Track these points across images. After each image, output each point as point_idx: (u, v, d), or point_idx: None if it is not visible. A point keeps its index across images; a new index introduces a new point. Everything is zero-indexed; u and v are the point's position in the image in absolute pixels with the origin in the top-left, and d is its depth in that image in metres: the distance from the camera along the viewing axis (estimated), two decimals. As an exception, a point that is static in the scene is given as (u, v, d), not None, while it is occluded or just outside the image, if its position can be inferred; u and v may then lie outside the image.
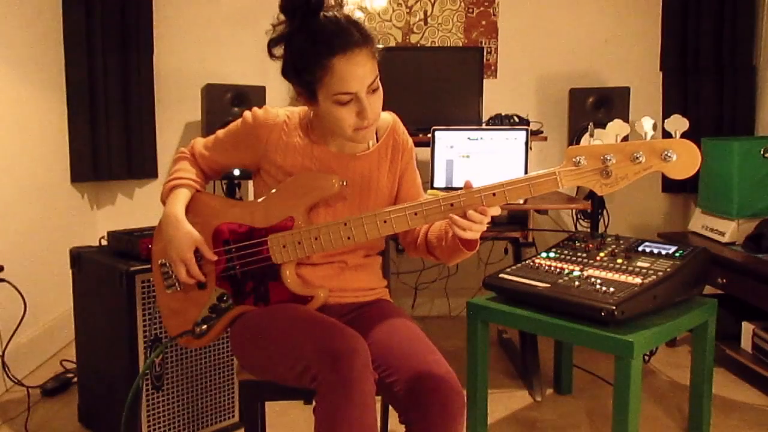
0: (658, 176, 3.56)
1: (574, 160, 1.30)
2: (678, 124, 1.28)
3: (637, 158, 1.26)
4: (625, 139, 1.31)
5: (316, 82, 1.37)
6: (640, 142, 1.27)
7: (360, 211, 1.45)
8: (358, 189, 1.53)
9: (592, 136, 1.37)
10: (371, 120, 1.41)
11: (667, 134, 1.32)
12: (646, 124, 1.29)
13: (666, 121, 1.31)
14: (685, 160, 1.25)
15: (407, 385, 1.36)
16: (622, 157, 1.27)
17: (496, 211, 1.36)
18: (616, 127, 1.32)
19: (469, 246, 1.44)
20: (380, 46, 1.42)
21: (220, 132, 1.62)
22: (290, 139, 1.52)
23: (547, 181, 1.32)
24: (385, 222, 1.40)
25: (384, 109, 1.48)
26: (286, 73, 1.44)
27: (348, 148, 1.54)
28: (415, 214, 1.39)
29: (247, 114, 1.54)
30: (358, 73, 1.35)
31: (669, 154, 1.24)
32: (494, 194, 1.34)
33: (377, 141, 1.57)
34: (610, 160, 1.27)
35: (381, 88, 1.42)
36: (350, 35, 1.34)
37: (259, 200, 1.53)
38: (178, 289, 1.57)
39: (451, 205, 1.36)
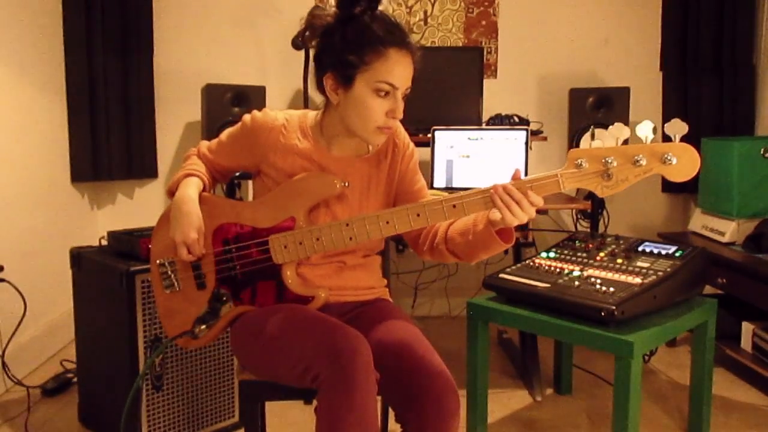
0: (658, 176, 3.55)
1: (575, 162, 1.31)
2: (677, 128, 1.31)
3: (638, 161, 1.28)
4: (626, 142, 1.33)
5: (362, 66, 1.38)
6: (641, 145, 1.30)
7: (359, 213, 1.45)
8: (358, 191, 1.53)
9: (593, 137, 1.39)
10: (398, 120, 1.44)
11: (666, 138, 1.34)
12: (646, 128, 1.31)
13: (666, 125, 1.33)
14: (685, 163, 1.28)
15: (403, 384, 1.36)
16: (624, 160, 1.29)
17: (539, 200, 1.33)
18: (617, 131, 1.34)
19: (505, 237, 1.40)
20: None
21: (223, 135, 1.62)
22: (289, 141, 1.52)
23: (549, 183, 1.33)
24: (387, 223, 1.40)
25: None
26: (323, 56, 1.44)
27: (349, 152, 1.55)
28: (418, 215, 1.39)
29: (246, 117, 1.55)
30: (405, 71, 1.40)
31: (669, 158, 1.27)
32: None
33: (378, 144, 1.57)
34: (611, 162, 1.29)
35: None
36: (408, 36, 1.41)
37: (260, 200, 1.54)
38: (177, 289, 1.57)
39: (454, 206, 1.36)
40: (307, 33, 1.45)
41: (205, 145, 1.66)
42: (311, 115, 1.57)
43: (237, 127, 1.58)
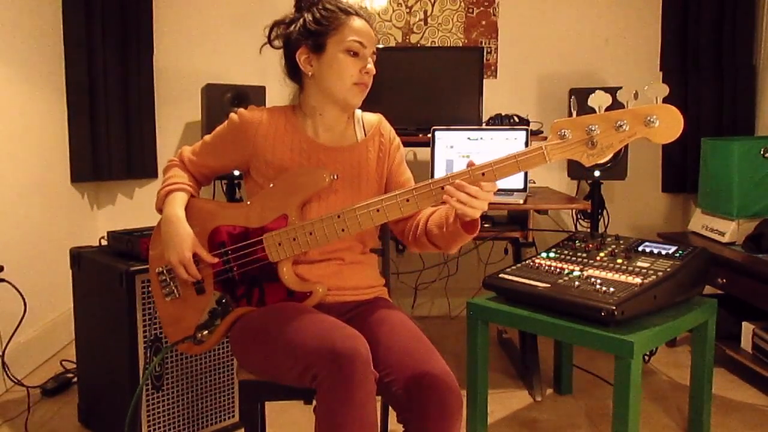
0: (658, 176, 3.57)
1: (559, 133, 1.31)
2: (658, 90, 1.28)
3: (621, 126, 1.27)
4: (608, 110, 1.31)
5: (331, 31, 1.48)
6: (623, 110, 1.28)
7: (352, 203, 1.46)
8: (349, 180, 1.55)
9: (575, 109, 1.37)
10: (371, 77, 1.51)
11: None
12: (627, 93, 1.29)
13: (646, 87, 1.29)
14: (668, 123, 1.26)
15: (405, 384, 1.36)
16: (607, 126, 1.28)
17: (492, 186, 1.37)
18: (598, 98, 1.32)
19: (469, 229, 1.45)
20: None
21: (207, 137, 1.65)
22: (277, 134, 1.55)
23: (534, 156, 1.33)
24: (378, 211, 1.41)
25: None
26: (291, 38, 1.54)
27: (336, 140, 1.57)
28: (407, 200, 1.40)
29: (233, 115, 1.57)
30: (369, 34, 1.51)
31: (652, 120, 1.26)
32: (483, 173, 1.35)
33: (365, 135, 1.60)
34: (594, 130, 1.28)
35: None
36: (366, 12, 1.55)
37: (252, 200, 1.55)
38: (177, 296, 1.57)
39: (441, 188, 1.38)
40: (273, 31, 1.57)
41: (188, 149, 1.68)
42: (296, 108, 1.60)
43: (224, 126, 1.60)
